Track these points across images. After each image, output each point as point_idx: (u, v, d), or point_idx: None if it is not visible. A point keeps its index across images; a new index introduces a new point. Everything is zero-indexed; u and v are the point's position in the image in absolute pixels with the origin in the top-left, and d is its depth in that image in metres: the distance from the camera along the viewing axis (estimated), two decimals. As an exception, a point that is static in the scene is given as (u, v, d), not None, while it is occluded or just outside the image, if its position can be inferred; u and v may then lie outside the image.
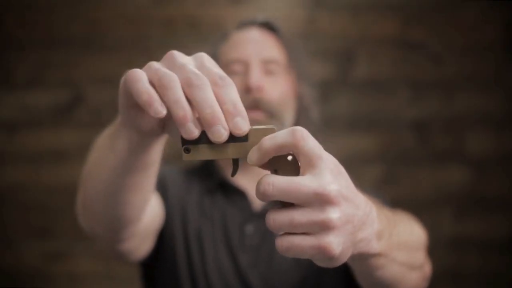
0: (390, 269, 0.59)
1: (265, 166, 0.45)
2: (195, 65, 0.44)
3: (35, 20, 1.84)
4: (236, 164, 0.46)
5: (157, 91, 0.42)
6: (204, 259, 0.91)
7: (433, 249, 0.76)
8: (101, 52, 1.83)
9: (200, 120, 0.42)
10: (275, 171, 0.44)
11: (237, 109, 0.42)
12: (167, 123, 0.52)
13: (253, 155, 0.43)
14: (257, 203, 0.96)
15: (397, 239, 0.58)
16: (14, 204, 1.83)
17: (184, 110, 0.41)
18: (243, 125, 0.42)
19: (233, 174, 0.46)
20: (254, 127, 0.44)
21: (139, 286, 1.01)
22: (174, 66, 0.43)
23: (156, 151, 0.59)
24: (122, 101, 0.47)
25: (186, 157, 0.44)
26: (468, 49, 1.80)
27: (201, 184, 0.99)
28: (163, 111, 0.42)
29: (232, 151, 0.44)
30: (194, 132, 0.41)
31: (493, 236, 1.78)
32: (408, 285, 0.66)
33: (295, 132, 0.42)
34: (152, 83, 0.42)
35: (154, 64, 0.43)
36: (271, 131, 0.44)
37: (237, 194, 0.96)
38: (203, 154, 0.44)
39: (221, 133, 0.41)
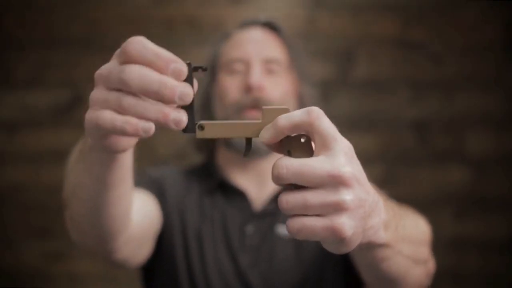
0: (395, 262, 0.59)
1: (277, 148, 0.44)
2: (118, 62, 0.42)
3: (35, 20, 1.84)
4: (249, 143, 0.46)
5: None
6: (204, 260, 0.91)
7: (433, 249, 0.76)
8: (101, 52, 1.82)
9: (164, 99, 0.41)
10: (288, 152, 0.44)
11: (163, 57, 0.40)
12: None
13: (267, 132, 0.43)
14: (257, 203, 0.96)
15: (403, 232, 0.58)
16: (14, 204, 1.83)
17: (159, 111, 0.40)
18: (179, 68, 0.40)
19: (246, 154, 0.46)
20: (268, 106, 0.44)
21: (139, 287, 1.01)
22: (108, 82, 0.42)
23: (129, 161, 0.59)
24: (97, 139, 0.47)
25: (200, 134, 0.44)
26: (468, 49, 1.80)
27: (201, 185, 0.99)
28: (151, 126, 0.41)
29: (246, 130, 0.44)
30: (181, 119, 0.41)
31: (493, 236, 1.78)
32: (412, 279, 0.66)
33: (311, 111, 0.42)
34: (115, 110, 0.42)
35: (99, 95, 0.43)
36: (285, 111, 0.44)
37: (237, 194, 0.96)
38: (216, 132, 0.44)
39: (184, 92, 0.40)
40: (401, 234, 0.56)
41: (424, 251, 0.69)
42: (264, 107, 0.44)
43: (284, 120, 0.42)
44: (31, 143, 1.84)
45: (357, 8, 1.82)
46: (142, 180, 0.94)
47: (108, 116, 0.42)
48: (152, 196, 0.92)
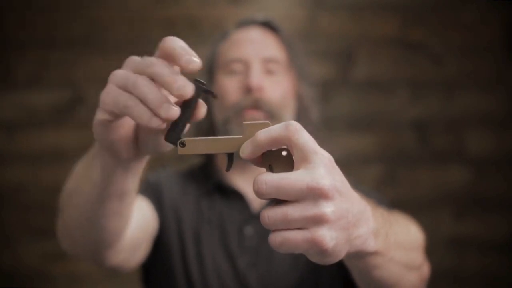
0: (388, 269, 0.59)
1: (259, 162, 0.45)
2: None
3: (35, 20, 1.84)
4: (231, 159, 0.46)
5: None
6: (202, 261, 0.90)
7: (433, 249, 0.76)
8: (101, 52, 1.82)
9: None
10: (270, 167, 0.44)
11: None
12: (141, 143, 0.52)
13: (246, 148, 0.44)
14: (255, 204, 0.95)
15: (394, 239, 0.57)
16: (14, 204, 1.83)
17: (159, 95, 0.43)
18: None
19: (228, 169, 0.46)
20: (249, 122, 0.45)
21: (139, 287, 1.01)
22: (135, 65, 0.46)
23: (132, 180, 0.58)
24: (102, 133, 0.49)
25: (181, 151, 0.45)
26: (468, 49, 1.80)
27: (199, 187, 0.98)
28: (146, 112, 0.44)
29: (227, 145, 0.45)
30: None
31: (493, 236, 1.78)
32: (406, 286, 0.66)
33: (289, 126, 0.42)
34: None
35: (121, 73, 0.46)
36: (266, 125, 0.44)
37: (235, 195, 0.95)
38: (197, 148, 0.45)
39: (182, 85, 0.43)
40: (392, 241, 0.56)
41: (417, 257, 0.68)
42: (244, 122, 0.45)
43: (262, 135, 0.43)
44: (31, 143, 1.83)
45: (357, 8, 1.82)
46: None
47: (115, 91, 0.44)
48: (147, 200, 0.91)
